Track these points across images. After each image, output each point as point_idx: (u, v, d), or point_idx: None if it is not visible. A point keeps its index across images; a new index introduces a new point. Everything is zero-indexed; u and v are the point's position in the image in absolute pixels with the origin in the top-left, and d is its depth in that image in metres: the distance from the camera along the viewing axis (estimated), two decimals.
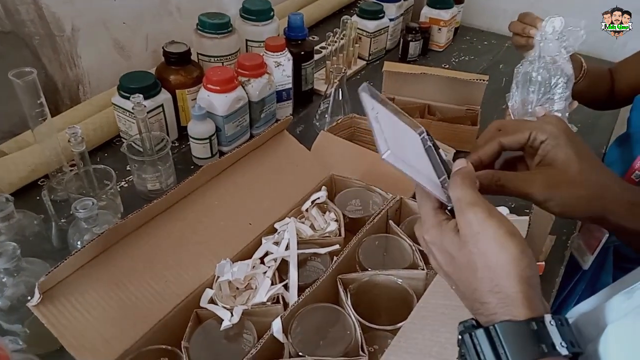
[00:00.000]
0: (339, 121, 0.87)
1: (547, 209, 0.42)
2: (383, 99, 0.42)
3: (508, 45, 1.37)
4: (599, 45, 1.34)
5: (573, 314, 0.43)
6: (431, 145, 0.39)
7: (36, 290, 0.45)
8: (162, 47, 0.86)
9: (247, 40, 1.01)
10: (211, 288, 0.54)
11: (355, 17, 1.19)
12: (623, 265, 0.76)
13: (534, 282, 0.34)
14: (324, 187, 0.69)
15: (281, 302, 0.54)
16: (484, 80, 0.90)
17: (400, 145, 0.37)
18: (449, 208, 0.38)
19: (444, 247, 0.36)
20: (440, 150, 0.41)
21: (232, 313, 0.51)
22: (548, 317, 0.32)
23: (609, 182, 0.42)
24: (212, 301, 0.53)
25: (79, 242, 0.62)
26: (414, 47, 1.23)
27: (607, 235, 0.65)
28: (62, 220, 0.71)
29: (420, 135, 0.41)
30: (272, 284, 0.54)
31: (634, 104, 0.76)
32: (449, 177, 0.39)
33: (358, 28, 1.17)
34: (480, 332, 0.33)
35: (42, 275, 0.45)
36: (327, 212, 0.67)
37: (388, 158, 0.35)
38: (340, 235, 0.63)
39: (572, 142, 0.42)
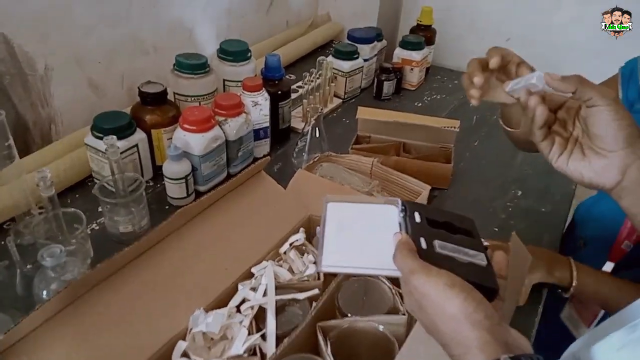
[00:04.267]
0: (316, 159, 0.87)
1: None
2: (353, 197, 0.48)
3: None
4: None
5: (567, 353, 0.43)
6: (402, 217, 0.44)
7: None
8: (138, 87, 0.86)
9: (224, 80, 1.01)
10: (184, 340, 0.52)
11: (330, 58, 1.22)
12: None
13: (487, 324, 0.34)
14: (302, 228, 0.69)
15: (258, 353, 0.52)
16: (454, 128, 0.92)
17: (353, 244, 0.43)
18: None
19: (415, 313, 0.39)
20: (416, 214, 0.44)
21: None
22: (503, 357, 0.32)
23: None
24: (185, 354, 0.51)
25: (45, 292, 0.59)
26: (388, 87, 1.27)
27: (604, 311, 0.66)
28: (28, 267, 0.68)
29: (397, 207, 0.45)
30: (249, 334, 0.53)
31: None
32: (425, 238, 0.41)
33: (333, 68, 1.20)
34: None
35: (1, 331, 0.42)
36: (306, 254, 0.67)
37: (325, 269, 0.42)
38: (319, 279, 0.62)
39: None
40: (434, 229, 0.42)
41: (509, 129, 0.70)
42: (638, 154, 0.45)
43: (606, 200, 0.74)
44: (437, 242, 0.41)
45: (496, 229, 0.86)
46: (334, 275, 0.60)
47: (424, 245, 0.40)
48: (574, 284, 0.64)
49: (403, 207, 0.45)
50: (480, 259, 0.40)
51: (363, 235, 0.44)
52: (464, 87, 0.62)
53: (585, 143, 0.48)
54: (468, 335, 0.34)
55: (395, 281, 0.59)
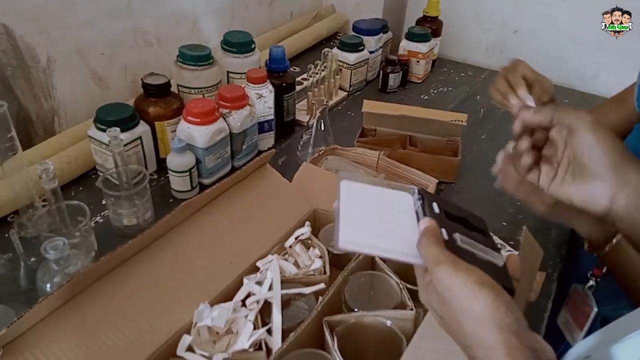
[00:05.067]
0: (321, 152, 0.86)
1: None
2: (367, 179, 0.44)
3: (484, 77, 1.40)
4: (570, 76, 1.39)
5: (571, 355, 0.42)
6: (420, 205, 0.41)
7: None
8: (141, 79, 0.85)
9: (228, 72, 1.00)
10: (189, 334, 0.51)
11: (335, 50, 1.20)
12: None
13: (515, 328, 0.33)
14: (307, 222, 0.68)
15: (264, 348, 0.51)
16: (461, 121, 0.91)
17: (369, 224, 0.41)
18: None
19: (434, 308, 0.37)
20: (434, 204, 0.42)
21: None
22: None
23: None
24: (190, 349, 0.50)
25: (48, 285, 0.59)
26: (394, 79, 1.25)
27: (596, 310, 0.64)
28: (32, 259, 0.68)
29: (413, 196, 0.43)
30: (254, 328, 0.52)
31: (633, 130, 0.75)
32: (446, 229, 0.39)
33: (339, 60, 1.18)
34: None
35: (4, 324, 0.42)
36: (312, 248, 0.66)
37: (343, 245, 0.38)
38: (325, 273, 0.61)
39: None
40: (452, 222, 0.41)
41: None
42: (625, 180, 0.42)
43: None
44: (457, 236, 0.39)
45: (504, 223, 0.85)
46: (341, 269, 0.59)
47: (445, 236, 0.39)
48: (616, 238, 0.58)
49: (420, 196, 0.43)
50: (497, 259, 0.39)
51: (379, 218, 0.42)
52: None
53: (575, 168, 0.46)
54: (495, 337, 0.32)
55: (403, 276, 0.58)
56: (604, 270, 0.64)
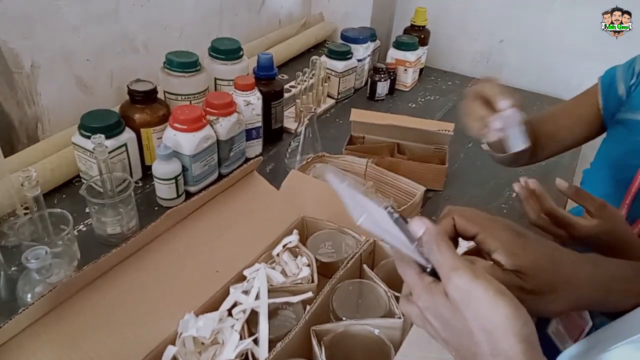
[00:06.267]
0: (309, 159, 0.86)
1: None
2: (349, 182, 0.42)
3: (471, 86, 1.42)
4: (557, 86, 1.42)
5: (564, 358, 0.42)
6: (398, 216, 0.39)
7: None
8: (127, 85, 0.84)
9: (215, 79, 1.00)
10: (174, 345, 0.50)
11: (324, 58, 1.21)
12: None
13: (533, 339, 0.32)
14: (295, 230, 0.67)
15: (250, 358, 0.50)
16: (448, 131, 0.92)
17: (372, 215, 0.39)
18: (428, 270, 0.37)
19: (438, 312, 0.35)
20: (409, 219, 0.41)
21: None
22: None
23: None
24: (174, 359, 0.49)
25: (29, 295, 0.57)
26: (382, 87, 1.26)
27: (591, 324, 0.64)
28: (12, 269, 0.66)
29: (386, 209, 0.41)
30: (240, 339, 0.51)
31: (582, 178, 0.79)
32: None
33: (327, 68, 1.19)
34: None
35: None
36: (299, 257, 0.65)
37: (364, 223, 0.35)
38: (313, 281, 0.60)
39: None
40: None
41: (496, 154, 0.74)
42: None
43: (603, 185, 0.74)
44: None
45: None
46: (329, 277, 0.59)
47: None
48: None
49: (392, 209, 0.42)
50: None
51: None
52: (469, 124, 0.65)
53: None
54: (515, 347, 0.32)
55: (390, 284, 0.58)
56: None
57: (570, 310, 0.43)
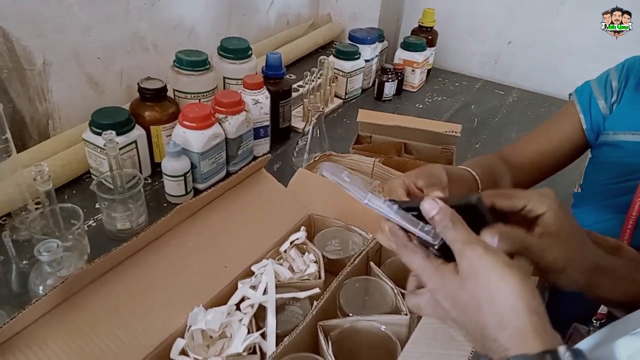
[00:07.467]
0: (316, 158, 0.86)
1: (557, 279, 0.42)
2: (347, 174, 0.42)
3: (478, 87, 1.42)
4: (564, 88, 1.41)
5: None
6: (397, 208, 0.40)
7: None
8: (137, 83, 0.85)
9: (224, 78, 1.01)
10: (183, 337, 0.51)
11: (331, 58, 1.21)
12: None
13: (542, 311, 0.33)
14: (303, 227, 0.68)
15: (258, 352, 0.51)
16: (455, 133, 0.91)
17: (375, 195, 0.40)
18: (436, 247, 0.37)
19: (447, 290, 0.36)
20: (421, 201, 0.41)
21: None
22: (562, 349, 0.31)
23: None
24: (183, 352, 0.50)
25: (40, 287, 0.58)
26: (389, 87, 1.26)
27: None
28: (24, 262, 0.67)
29: (385, 202, 0.41)
30: (248, 332, 0.52)
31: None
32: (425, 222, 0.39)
33: (334, 68, 1.19)
34: None
35: None
36: (307, 253, 0.66)
37: (370, 202, 0.37)
38: (320, 278, 0.61)
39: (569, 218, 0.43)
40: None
41: None
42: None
43: (597, 212, 0.72)
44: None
45: None
46: (335, 274, 0.59)
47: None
48: None
49: (390, 202, 0.41)
50: None
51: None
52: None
53: None
54: (524, 317, 0.32)
55: (397, 281, 0.58)
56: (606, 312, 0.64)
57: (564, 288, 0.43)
